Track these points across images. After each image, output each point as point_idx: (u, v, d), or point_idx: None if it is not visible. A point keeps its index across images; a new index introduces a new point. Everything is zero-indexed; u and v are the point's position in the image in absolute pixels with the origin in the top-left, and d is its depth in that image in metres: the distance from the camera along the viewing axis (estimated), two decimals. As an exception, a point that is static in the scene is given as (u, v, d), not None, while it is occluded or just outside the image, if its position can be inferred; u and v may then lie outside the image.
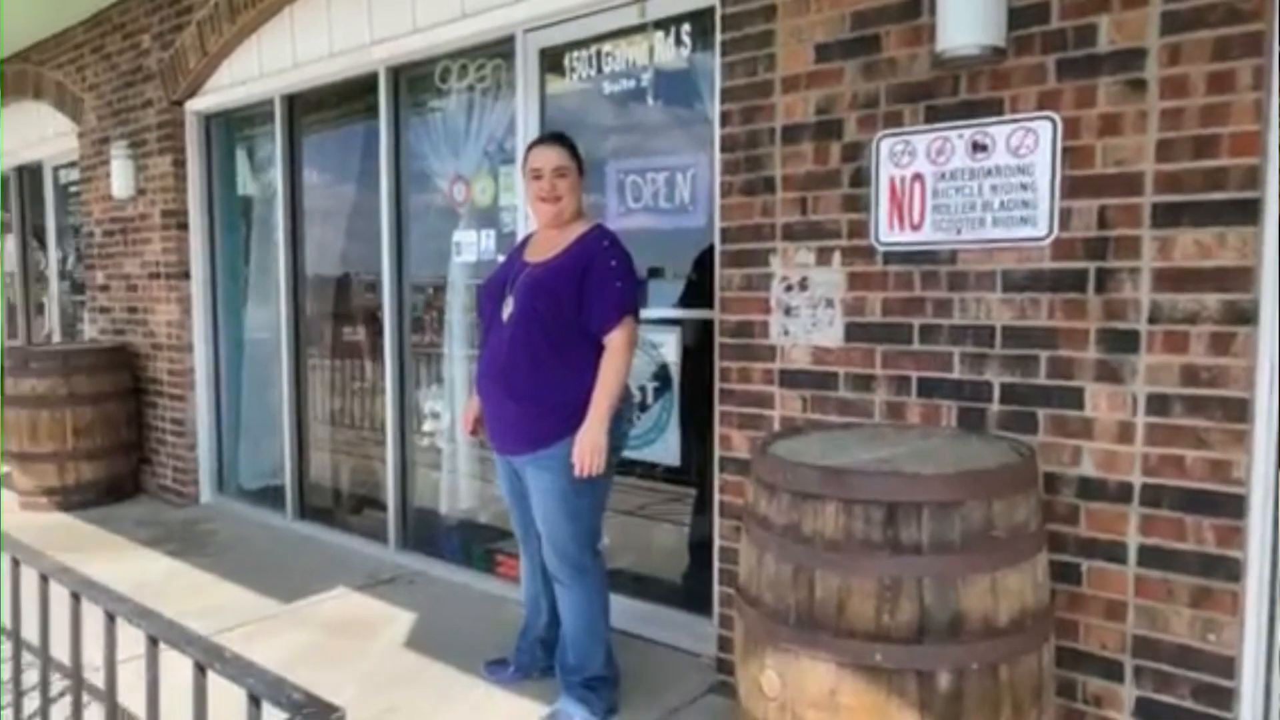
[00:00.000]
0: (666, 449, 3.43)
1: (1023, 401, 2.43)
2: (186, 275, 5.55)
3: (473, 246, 4.10)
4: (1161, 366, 2.21)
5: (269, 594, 3.97)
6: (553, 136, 2.89)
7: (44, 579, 1.85)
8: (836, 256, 2.75)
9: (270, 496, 5.31)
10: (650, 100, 3.40)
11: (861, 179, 2.68)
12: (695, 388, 3.32)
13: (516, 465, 2.84)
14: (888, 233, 2.64)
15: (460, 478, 4.40)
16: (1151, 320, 2.22)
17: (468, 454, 4.32)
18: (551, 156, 2.79)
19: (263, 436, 5.44)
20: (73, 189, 6.72)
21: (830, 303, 2.76)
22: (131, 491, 5.80)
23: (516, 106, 3.77)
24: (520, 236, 3.76)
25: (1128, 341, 2.25)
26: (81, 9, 5.88)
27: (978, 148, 2.47)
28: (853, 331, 2.72)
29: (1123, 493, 2.27)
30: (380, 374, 4.56)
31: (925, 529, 1.82)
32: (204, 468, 5.63)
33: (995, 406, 2.47)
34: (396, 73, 4.35)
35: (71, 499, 5.45)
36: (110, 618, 1.64)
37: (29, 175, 7.57)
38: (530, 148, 2.87)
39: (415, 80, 4.35)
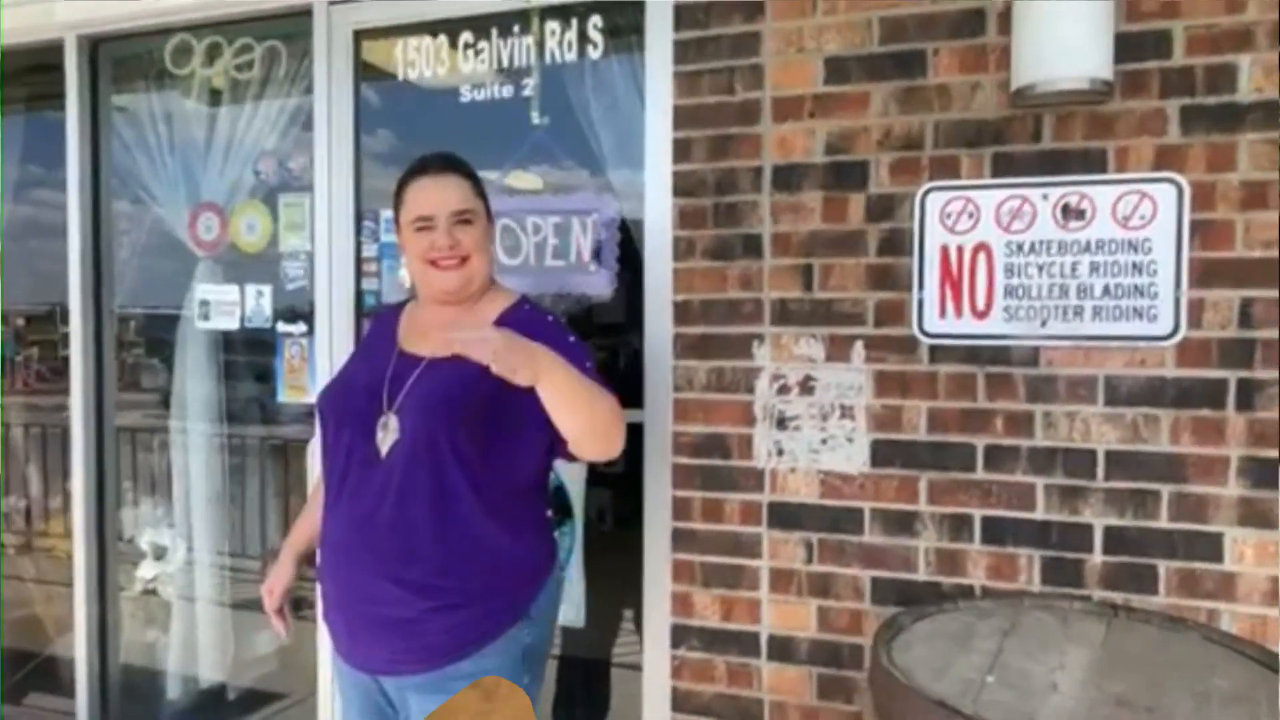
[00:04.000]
0: (568, 604, 2.45)
1: (1137, 551, 1.84)
2: None
3: (233, 309, 2.81)
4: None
5: None
6: (444, 161, 1.79)
7: None
8: (858, 349, 2.00)
9: None
10: (535, 118, 2.42)
11: (897, 245, 1.97)
12: (612, 518, 2.40)
13: (390, 688, 1.73)
14: (937, 320, 1.94)
15: (200, 633, 3.03)
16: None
17: (209, 588, 2.98)
18: (449, 194, 1.73)
19: None
20: None
21: (848, 412, 2.01)
22: None
23: (316, 114, 2.59)
24: (322, 293, 2.60)
25: (1284, 476, 1.75)
26: None
27: (1071, 213, 1.86)
28: (884, 453, 1.99)
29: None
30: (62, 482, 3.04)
31: None
32: None
33: (1097, 558, 1.86)
34: (95, 45, 2.93)
35: None
36: None
37: None
38: (408, 179, 1.77)
39: (129, 59, 2.96)
